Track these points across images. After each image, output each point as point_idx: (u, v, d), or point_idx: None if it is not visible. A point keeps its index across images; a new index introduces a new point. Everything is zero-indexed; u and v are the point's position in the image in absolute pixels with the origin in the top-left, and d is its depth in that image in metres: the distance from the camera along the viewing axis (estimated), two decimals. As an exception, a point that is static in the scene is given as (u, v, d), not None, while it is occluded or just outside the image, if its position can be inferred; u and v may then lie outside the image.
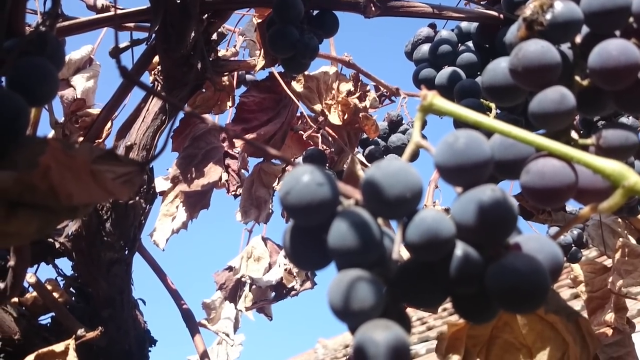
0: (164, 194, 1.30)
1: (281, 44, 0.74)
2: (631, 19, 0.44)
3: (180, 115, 1.17)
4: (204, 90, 1.13)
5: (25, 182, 0.33)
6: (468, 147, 0.32)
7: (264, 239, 1.49)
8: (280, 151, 1.20)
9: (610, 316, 1.11)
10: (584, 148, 0.42)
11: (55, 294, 0.88)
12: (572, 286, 1.33)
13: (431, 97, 0.34)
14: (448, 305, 4.22)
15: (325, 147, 1.25)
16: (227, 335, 1.52)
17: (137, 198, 0.86)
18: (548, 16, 0.41)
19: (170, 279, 1.11)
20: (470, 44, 0.78)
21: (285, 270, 1.41)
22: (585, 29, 0.44)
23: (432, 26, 0.83)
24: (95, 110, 1.11)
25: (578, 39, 0.44)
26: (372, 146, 1.20)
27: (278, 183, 1.31)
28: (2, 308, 0.82)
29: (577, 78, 0.44)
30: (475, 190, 0.32)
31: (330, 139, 1.21)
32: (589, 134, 0.43)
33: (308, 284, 1.42)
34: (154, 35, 0.80)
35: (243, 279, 1.44)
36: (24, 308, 0.87)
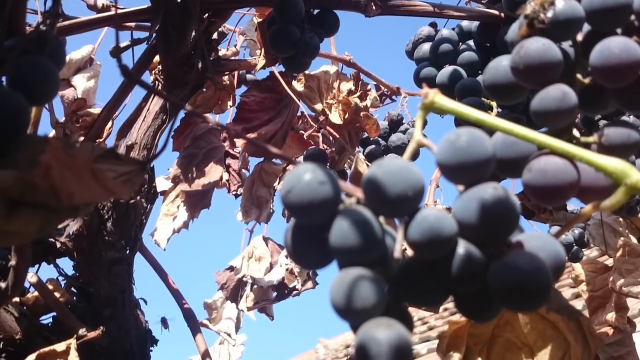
0: (165, 193, 1.30)
1: (282, 43, 0.74)
2: (632, 17, 0.44)
3: (181, 114, 1.17)
4: (204, 89, 1.12)
5: (26, 181, 0.33)
6: (470, 144, 0.32)
7: (265, 239, 1.49)
8: (281, 151, 1.20)
9: (611, 315, 1.11)
10: (586, 146, 0.41)
11: (57, 294, 0.88)
12: (574, 286, 1.33)
13: (433, 95, 0.34)
14: (449, 305, 4.22)
15: (326, 146, 1.25)
16: (229, 335, 1.52)
17: (138, 197, 0.86)
18: (549, 14, 0.41)
19: (172, 278, 1.11)
20: (471, 42, 0.78)
21: (287, 270, 1.41)
22: (586, 27, 0.44)
23: (433, 25, 0.83)
24: (96, 110, 1.11)
25: (579, 37, 0.44)
26: (373, 145, 1.20)
27: (279, 183, 1.31)
28: (4, 308, 0.82)
29: (579, 76, 0.44)
30: (477, 188, 0.32)
31: (331, 138, 1.21)
32: (590, 132, 0.43)
33: (309, 284, 1.42)
34: (154, 34, 0.80)
35: (244, 279, 1.44)
36: (25, 308, 0.87)
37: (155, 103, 0.89)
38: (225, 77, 1.16)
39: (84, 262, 0.87)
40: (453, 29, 0.80)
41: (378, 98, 1.18)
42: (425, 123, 0.35)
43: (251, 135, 1.13)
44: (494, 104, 0.71)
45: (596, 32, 0.43)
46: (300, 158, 1.22)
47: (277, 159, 1.32)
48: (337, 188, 0.32)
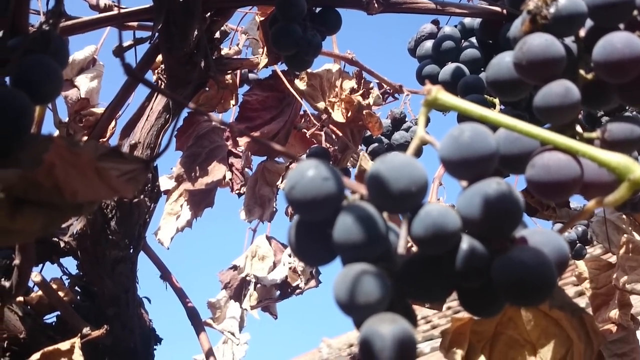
0: (168, 192, 1.30)
1: (284, 42, 0.74)
2: (635, 12, 0.44)
3: (184, 114, 1.17)
4: (207, 89, 1.13)
5: (30, 180, 0.33)
6: (473, 140, 0.32)
7: (268, 238, 1.49)
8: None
9: (614, 313, 1.11)
10: (589, 142, 0.41)
11: (61, 293, 0.88)
12: (577, 284, 1.33)
13: (435, 91, 0.34)
14: (452, 303, 4.22)
15: (328, 145, 1.25)
16: (233, 334, 1.53)
17: (142, 196, 0.86)
18: (552, 10, 0.41)
19: (175, 277, 1.11)
20: (473, 40, 0.78)
21: (290, 268, 1.41)
22: (589, 23, 0.44)
23: (435, 22, 0.83)
24: (99, 110, 1.12)
25: (582, 33, 0.44)
26: (376, 144, 1.20)
27: (282, 181, 1.31)
28: (8, 307, 0.82)
29: (582, 72, 0.44)
30: (481, 184, 0.32)
31: (333, 136, 1.21)
32: (593, 129, 0.43)
33: (313, 283, 1.42)
34: (157, 34, 0.80)
35: (248, 278, 1.44)
36: (29, 307, 0.88)
37: (158, 102, 0.89)
38: (228, 76, 1.16)
39: (87, 261, 0.87)
40: (455, 26, 0.80)
41: (381, 96, 1.18)
42: (428, 120, 0.35)
43: (254, 134, 1.13)
44: (496, 101, 0.71)
45: (599, 28, 0.43)
46: (303, 157, 1.22)
47: (280, 158, 1.32)
48: (340, 184, 0.32)
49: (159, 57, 0.88)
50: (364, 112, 1.10)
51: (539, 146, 0.37)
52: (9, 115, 0.36)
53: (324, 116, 1.17)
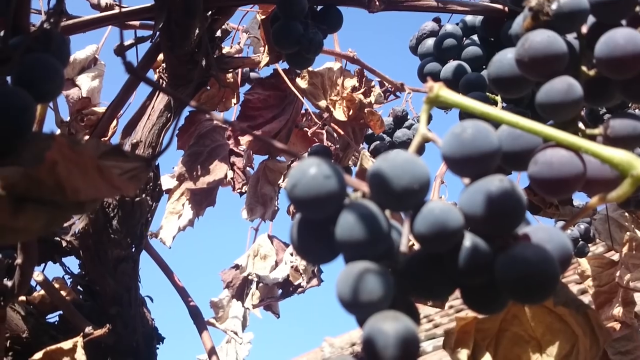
0: (170, 192, 1.30)
1: (285, 40, 0.74)
2: (637, 8, 0.43)
3: (185, 113, 1.17)
4: (208, 87, 1.13)
5: (32, 177, 0.33)
6: (475, 137, 0.32)
7: (270, 237, 1.49)
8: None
9: (618, 310, 1.11)
10: (592, 138, 0.41)
11: (63, 292, 0.88)
12: (580, 282, 1.33)
13: (437, 88, 0.33)
14: (455, 302, 4.21)
15: (330, 143, 1.25)
16: (236, 333, 1.53)
17: (144, 195, 0.86)
18: (554, 6, 0.41)
19: (177, 276, 1.11)
20: (475, 37, 0.78)
21: (292, 267, 1.41)
22: (591, 19, 0.44)
23: (437, 20, 0.83)
24: (100, 109, 1.12)
25: (584, 29, 0.44)
26: (378, 142, 1.20)
27: (283, 180, 1.31)
28: (10, 306, 0.82)
29: (584, 68, 0.43)
30: (483, 181, 0.32)
31: (335, 135, 1.21)
32: (595, 127, 0.43)
33: (314, 281, 1.42)
34: (158, 33, 0.80)
35: (250, 277, 1.44)
36: (31, 306, 0.88)
37: (160, 101, 0.89)
38: (229, 75, 1.16)
39: (90, 261, 0.87)
40: (457, 24, 0.80)
41: (382, 94, 1.18)
42: (430, 118, 0.35)
43: (255, 133, 1.13)
44: (498, 99, 0.71)
45: (601, 24, 0.43)
46: (305, 155, 1.22)
47: (281, 157, 1.32)
48: (342, 182, 0.32)
49: (160, 56, 0.88)
50: (366, 110, 1.10)
51: (542, 143, 0.37)
52: (10, 113, 0.36)
53: (326, 114, 1.17)
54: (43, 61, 0.40)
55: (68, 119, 1.09)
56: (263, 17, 0.92)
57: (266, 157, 1.30)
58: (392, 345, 0.28)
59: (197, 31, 0.81)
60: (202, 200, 1.28)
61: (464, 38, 0.78)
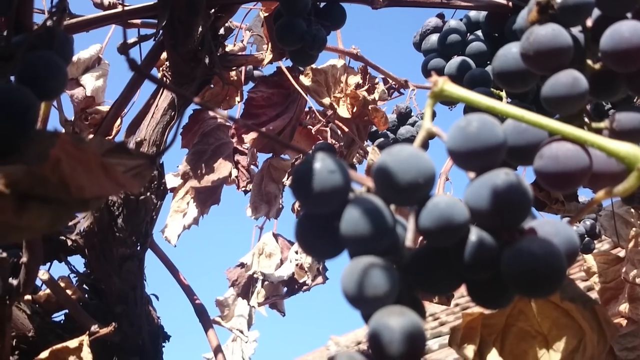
0: (174, 190, 1.30)
1: (289, 36, 0.74)
2: (643, 1, 0.43)
3: (189, 111, 1.17)
4: (212, 85, 1.13)
5: (36, 175, 0.33)
6: (481, 130, 0.31)
7: (275, 235, 1.49)
8: (290, 146, 1.20)
9: (624, 307, 1.11)
10: (598, 132, 0.41)
11: (69, 291, 0.88)
12: (586, 279, 1.33)
13: (442, 83, 0.33)
14: (460, 300, 4.21)
15: (334, 141, 1.25)
16: (241, 332, 1.53)
17: (148, 194, 0.86)
18: (559, -1, 0.41)
19: (183, 274, 1.11)
20: (479, 33, 0.77)
21: (297, 265, 1.41)
22: (596, 12, 0.44)
23: (441, 16, 0.82)
24: (104, 108, 1.12)
25: (589, 22, 0.44)
26: (382, 139, 1.19)
27: (287, 178, 1.31)
28: (16, 305, 0.82)
29: (589, 62, 0.43)
30: (489, 175, 0.31)
31: (339, 132, 1.21)
32: (601, 121, 0.43)
33: (319, 279, 1.42)
34: (161, 31, 0.80)
35: (255, 275, 1.44)
36: (37, 305, 0.88)
37: (164, 99, 0.89)
38: (233, 73, 1.16)
39: (95, 259, 0.87)
40: (461, 19, 0.80)
41: (386, 91, 1.18)
42: (434, 114, 0.35)
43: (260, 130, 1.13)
44: (503, 94, 0.70)
45: (606, 17, 0.43)
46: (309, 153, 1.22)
47: (285, 155, 1.32)
48: (347, 177, 0.31)
49: (164, 54, 0.88)
50: (370, 107, 1.10)
51: (547, 137, 0.36)
52: (14, 111, 0.36)
53: (330, 112, 1.17)
54: (46, 59, 0.40)
55: (72, 118, 1.09)
56: (266, 14, 0.92)
57: (270, 155, 1.30)
58: (398, 340, 0.28)
59: (200, 29, 0.81)
60: (206, 198, 1.28)
61: (468, 34, 0.78)
